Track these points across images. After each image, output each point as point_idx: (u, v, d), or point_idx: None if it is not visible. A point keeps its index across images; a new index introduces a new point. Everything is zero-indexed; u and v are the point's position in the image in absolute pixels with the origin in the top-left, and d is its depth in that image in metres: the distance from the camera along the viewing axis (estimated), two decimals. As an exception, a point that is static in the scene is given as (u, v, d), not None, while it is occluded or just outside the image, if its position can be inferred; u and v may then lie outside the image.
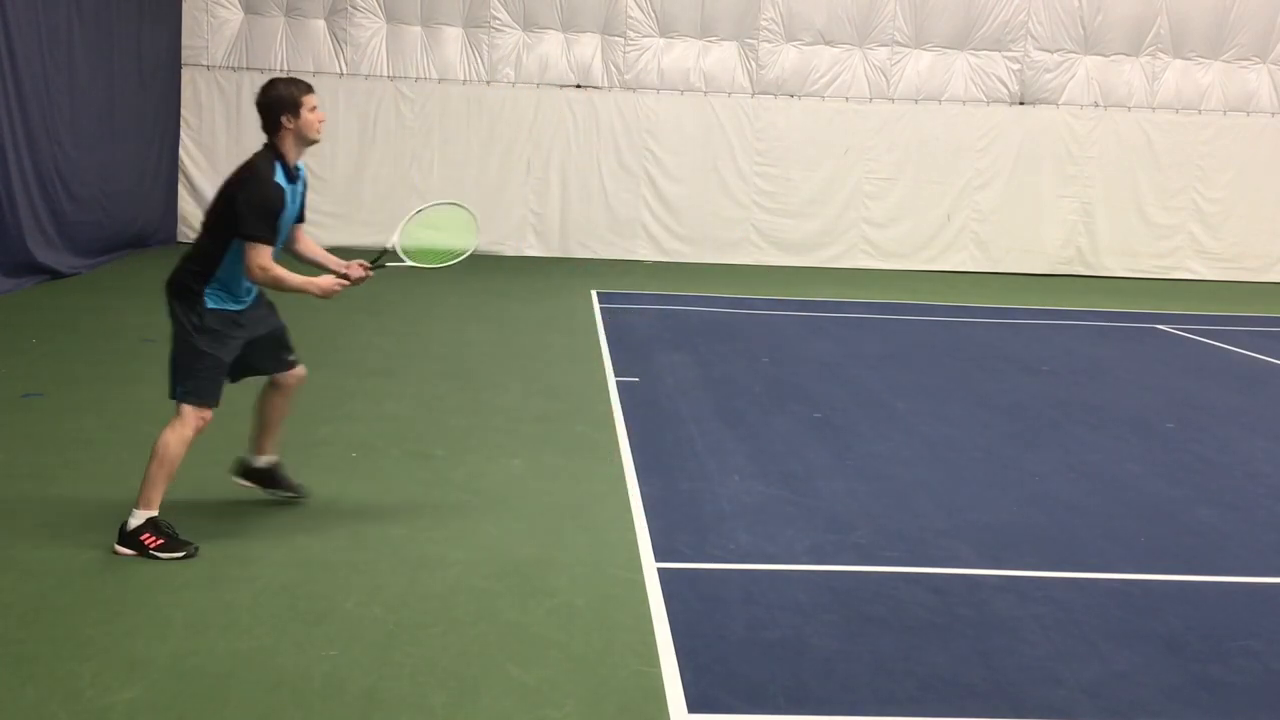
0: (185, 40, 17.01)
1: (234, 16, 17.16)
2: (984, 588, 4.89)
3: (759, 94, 17.82)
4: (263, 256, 4.79)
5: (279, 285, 4.88)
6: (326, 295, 5.04)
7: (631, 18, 17.52)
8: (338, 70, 17.21)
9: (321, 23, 17.27)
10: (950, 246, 18.19)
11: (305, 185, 5.12)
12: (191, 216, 17.25)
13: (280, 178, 4.89)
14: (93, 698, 3.62)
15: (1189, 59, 18.19)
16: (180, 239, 17.15)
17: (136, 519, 4.81)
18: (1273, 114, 18.34)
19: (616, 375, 8.93)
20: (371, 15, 17.27)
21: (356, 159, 17.12)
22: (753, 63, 17.75)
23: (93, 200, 13.85)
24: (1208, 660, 4.26)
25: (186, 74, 17.07)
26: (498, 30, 17.43)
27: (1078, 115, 18.14)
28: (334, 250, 5.40)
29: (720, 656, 4.10)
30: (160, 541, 4.79)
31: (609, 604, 4.53)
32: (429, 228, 5.45)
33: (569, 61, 17.59)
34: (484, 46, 17.45)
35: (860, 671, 4.04)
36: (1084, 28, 17.98)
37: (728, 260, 17.77)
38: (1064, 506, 6.12)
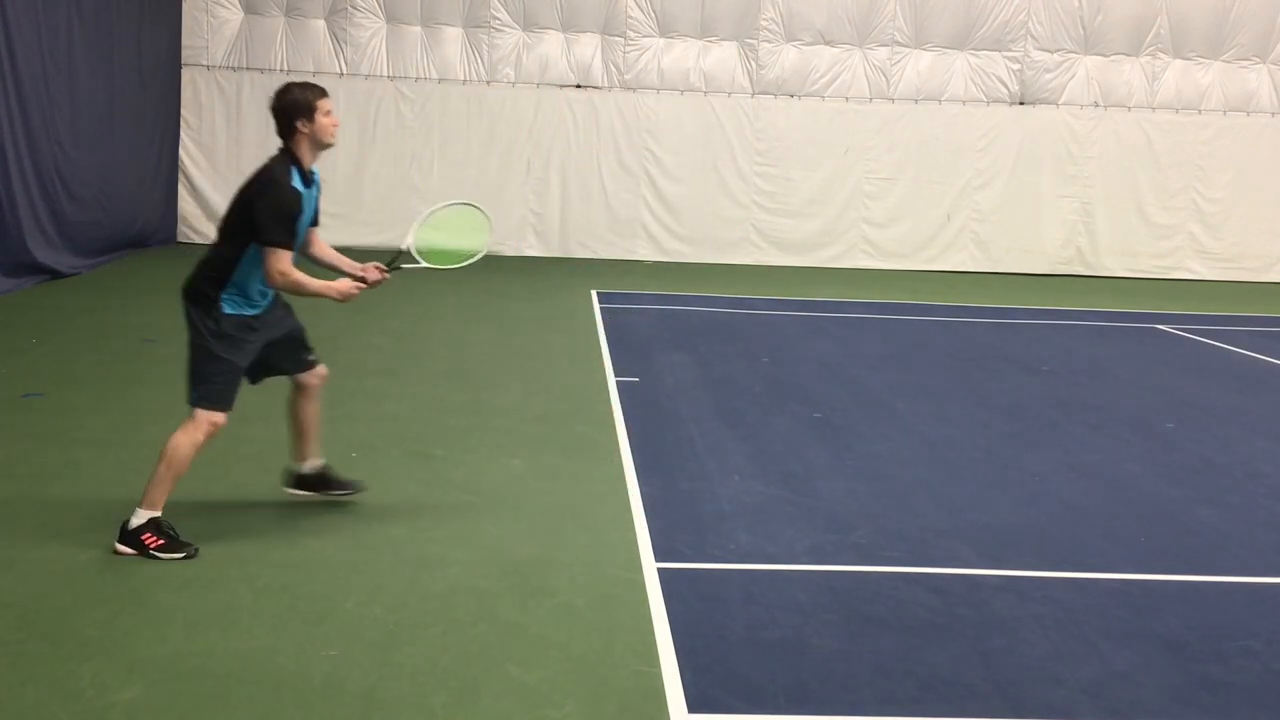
0: (185, 40, 17.00)
1: (234, 16, 17.16)
2: (984, 588, 4.89)
3: (759, 94, 17.82)
4: (282, 262, 4.79)
5: (299, 290, 4.88)
6: (345, 299, 5.05)
7: (631, 18, 17.52)
8: (338, 70, 17.21)
9: (321, 23, 17.27)
10: (950, 246, 18.19)
11: (319, 189, 5.12)
12: (191, 216, 17.27)
13: (297, 182, 4.91)
14: (93, 698, 3.62)
15: (1189, 59, 18.19)
16: (180, 239, 17.17)
17: (139, 518, 4.81)
18: (1273, 114, 18.34)
19: (616, 375, 8.93)
20: (371, 15, 17.27)
21: (356, 159, 17.11)
22: (753, 63, 17.75)
23: (93, 200, 13.85)
24: (1208, 660, 4.26)
25: (186, 74, 17.07)
26: (498, 30, 17.43)
27: (1078, 115, 18.14)
28: (334, 250, 5.40)
29: (720, 656, 4.11)
30: (161, 542, 4.79)
31: (609, 604, 4.53)
32: (443, 229, 5.44)
33: (569, 61, 17.59)
34: (484, 46, 17.45)
35: (860, 671, 4.04)
36: (1084, 28, 17.99)
37: (728, 260, 17.76)
38: (1064, 506, 6.12)
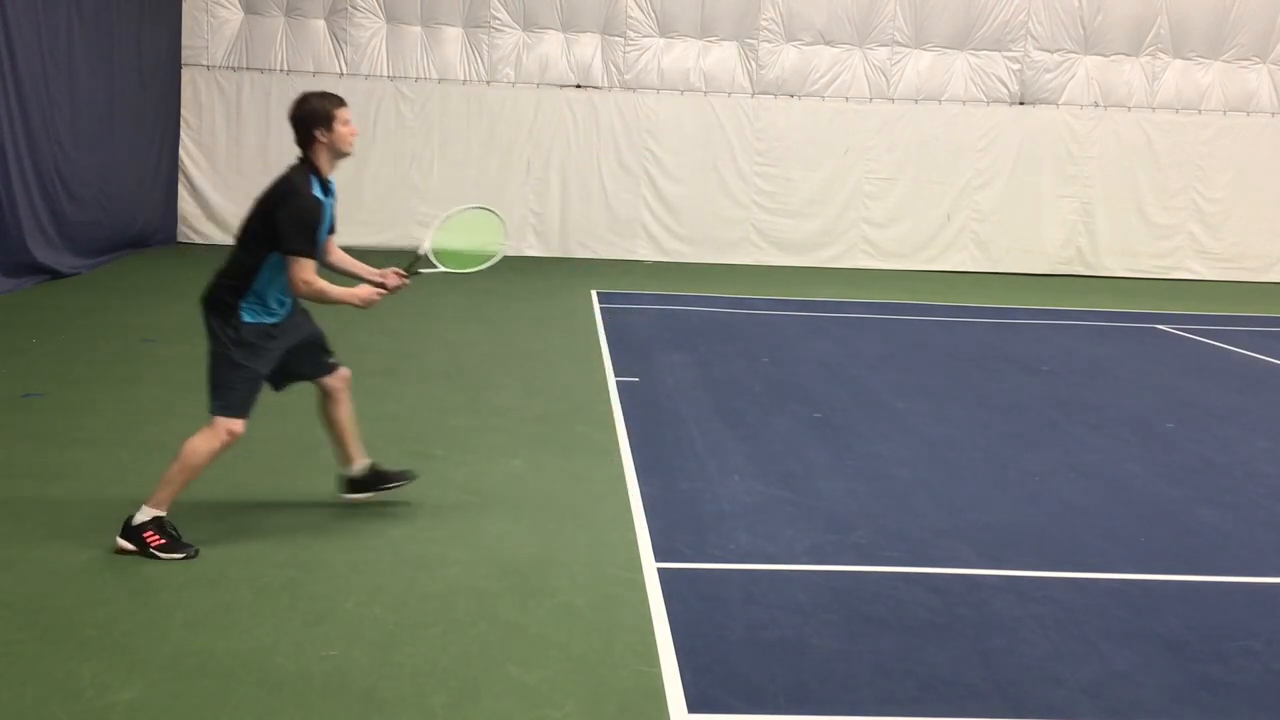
0: (185, 40, 17.01)
1: (234, 16, 17.16)
2: (984, 588, 4.89)
3: (759, 94, 17.82)
4: (306, 270, 4.82)
5: (321, 298, 4.91)
6: (367, 305, 5.09)
7: (631, 18, 17.52)
8: (338, 70, 17.21)
9: (321, 23, 17.27)
10: (950, 246, 18.19)
11: (335, 198, 5.14)
12: (191, 216, 17.27)
13: (317, 191, 4.92)
14: (93, 698, 3.62)
15: (1189, 59, 18.19)
16: (180, 239, 17.17)
17: (143, 515, 4.82)
18: (1273, 114, 18.34)
19: (616, 375, 8.93)
20: (371, 15, 17.27)
21: (356, 159, 16.97)
22: (753, 63, 17.75)
23: (93, 200, 13.85)
24: (1208, 660, 4.26)
25: (186, 74, 17.07)
26: (498, 30, 17.43)
27: (1078, 115, 18.14)
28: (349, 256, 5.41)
29: (720, 656, 4.11)
30: (162, 541, 4.79)
31: (609, 604, 4.53)
32: (459, 232, 5.46)
33: (569, 61, 17.59)
34: (484, 46, 17.45)
35: (860, 671, 4.04)
36: (1084, 28, 17.99)
37: (728, 260, 17.77)
38: (1064, 506, 6.12)
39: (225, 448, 4.89)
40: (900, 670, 4.06)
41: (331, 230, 5.12)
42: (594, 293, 13.66)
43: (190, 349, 9.34)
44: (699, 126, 17.75)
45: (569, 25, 17.53)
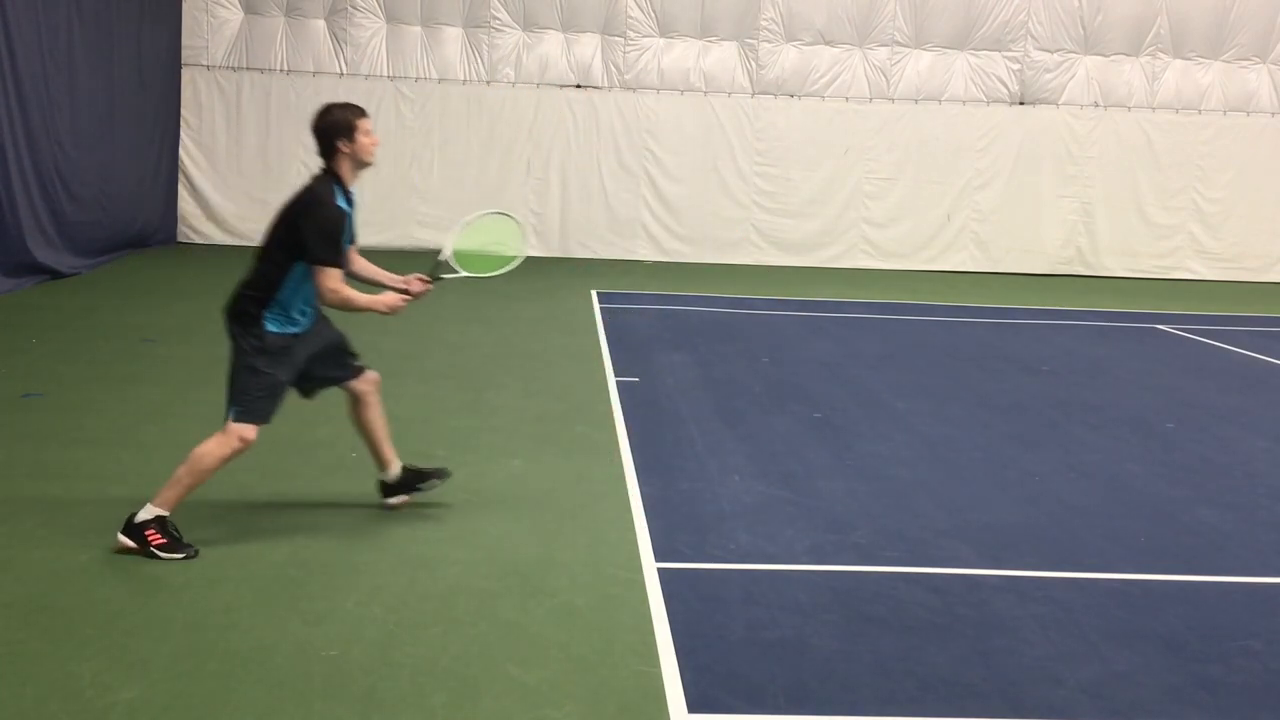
0: (185, 40, 17.01)
1: (234, 16, 17.16)
2: (984, 588, 4.89)
3: (759, 94, 17.82)
4: (333, 279, 4.87)
5: (348, 306, 4.94)
6: (392, 311, 5.14)
7: (631, 18, 17.52)
8: (338, 70, 17.21)
9: (321, 23, 17.27)
10: (950, 246, 18.20)
11: (355, 207, 5.17)
12: (191, 216, 17.27)
13: (341, 201, 4.97)
14: (93, 698, 3.62)
15: (1189, 59, 18.20)
16: (180, 239, 17.17)
17: (147, 513, 4.82)
18: (1273, 114, 18.34)
19: (616, 375, 8.93)
20: (371, 15, 17.27)
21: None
22: (753, 63, 17.75)
23: (93, 200, 13.85)
24: (1208, 660, 4.26)
25: (186, 74, 17.07)
26: (498, 30, 17.43)
27: (1078, 115, 18.14)
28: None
29: (720, 656, 4.10)
30: (163, 540, 4.80)
31: (609, 604, 4.53)
32: (478, 237, 5.53)
33: (569, 61, 17.59)
34: (484, 46, 17.45)
35: (860, 671, 4.04)
36: (1084, 28, 17.99)
37: (728, 260, 17.77)
38: (1064, 506, 6.12)
39: (236, 454, 4.91)
40: (900, 670, 4.06)
41: (352, 240, 5.16)
42: (594, 293, 13.66)
43: (190, 349, 9.38)
44: (699, 126, 17.75)
45: (569, 25, 17.53)
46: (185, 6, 16.97)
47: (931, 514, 5.86)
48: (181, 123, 17.09)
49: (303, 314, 5.02)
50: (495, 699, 3.73)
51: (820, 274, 17.11)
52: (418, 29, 17.37)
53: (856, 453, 7.04)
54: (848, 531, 5.53)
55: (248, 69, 17.12)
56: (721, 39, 17.72)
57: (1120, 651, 4.29)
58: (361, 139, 4.99)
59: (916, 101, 17.95)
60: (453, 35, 17.42)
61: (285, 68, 17.14)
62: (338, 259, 4.90)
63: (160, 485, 4.94)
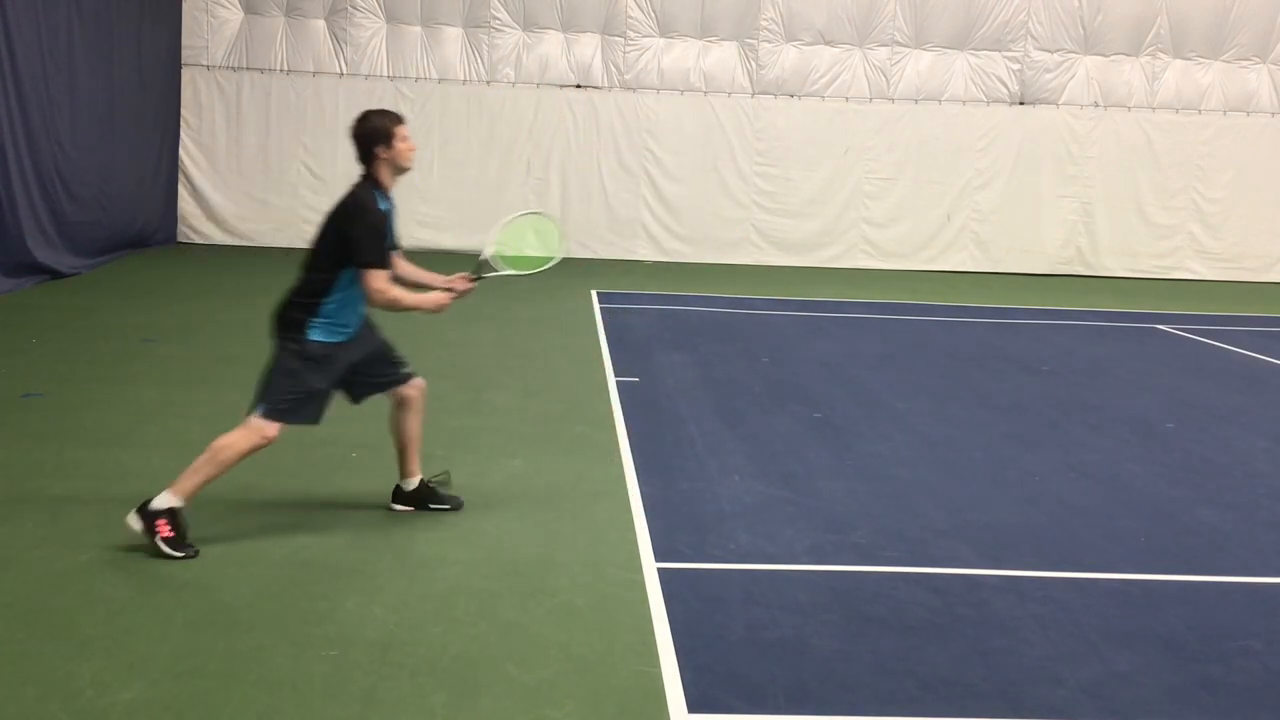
0: (185, 40, 17.01)
1: (234, 16, 17.16)
2: (984, 588, 4.89)
3: (759, 94, 17.82)
4: (380, 280, 4.95)
5: (395, 305, 5.03)
6: (439, 310, 5.24)
7: (631, 18, 17.52)
8: (338, 70, 17.21)
9: (321, 23, 17.27)
10: (950, 246, 18.20)
11: (395, 210, 5.25)
12: (191, 216, 17.27)
13: (382, 205, 5.07)
14: (93, 698, 3.62)
15: (1189, 59, 18.20)
16: (180, 239, 17.17)
17: (164, 500, 4.84)
18: (1273, 114, 18.34)
19: (616, 375, 8.93)
20: (371, 15, 17.27)
21: (357, 159, 17.08)
22: (753, 63, 17.75)
23: (93, 200, 13.85)
24: (1208, 660, 4.26)
25: (186, 74, 17.07)
26: (498, 30, 17.43)
27: (1078, 115, 18.14)
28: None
29: (720, 656, 4.10)
30: (170, 534, 4.81)
31: (609, 604, 4.53)
32: (519, 236, 5.66)
33: (569, 61, 17.59)
34: (484, 46, 17.45)
35: (860, 671, 4.04)
36: (1084, 28, 17.99)
37: (728, 260, 17.77)
38: (1064, 506, 6.12)
39: (255, 449, 4.96)
40: (900, 670, 4.06)
41: (395, 245, 5.23)
42: (594, 293, 13.67)
43: (190, 349, 9.38)
44: (699, 126, 17.75)
45: (569, 25, 17.53)
46: (185, 6, 16.97)
47: (931, 514, 5.86)
48: (181, 123, 17.09)
49: (350, 321, 5.10)
50: (495, 699, 3.73)
51: (820, 274, 17.11)
52: (418, 29, 17.37)
53: (856, 453, 7.04)
54: (848, 531, 5.53)
55: (248, 69, 17.12)
56: (721, 39, 17.72)
57: (1120, 651, 4.29)
58: (399, 145, 5.10)
59: (916, 101, 17.95)
60: (453, 35, 17.42)
61: (285, 68, 17.14)
62: (385, 260, 5.00)
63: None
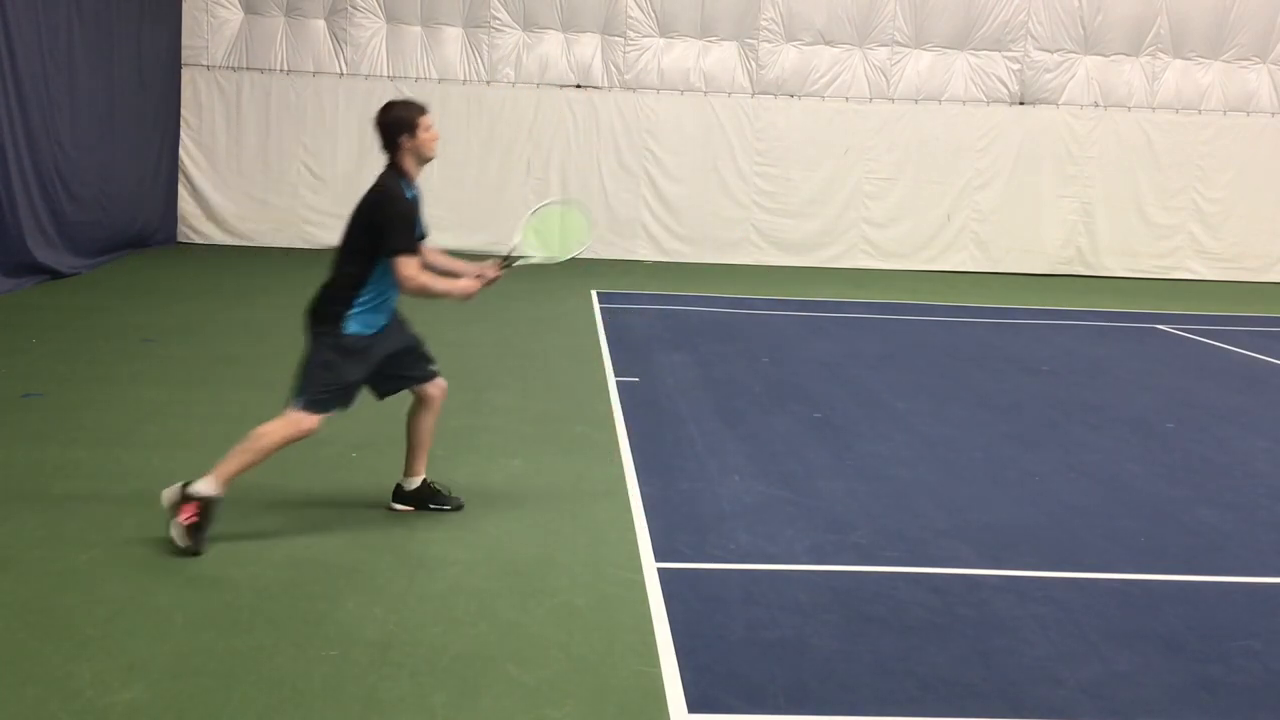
0: (185, 40, 17.01)
1: (234, 16, 17.16)
2: (984, 588, 4.89)
3: (759, 94, 17.82)
4: (409, 267, 4.99)
5: (426, 291, 5.07)
6: (468, 297, 5.28)
7: (631, 18, 17.52)
8: (338, 70, 17.21)
9: (321, 23, 17.27)
10: (950, 246, 18.20)
11: (420, 199, 5.27)
12: (191, 216, 17.27)
13: (408, 192, 5.11)
14: (93, 698, 3.62)
15: (1189, 59, 18.20)
16: (180, 239, 17.17)
17: (205, 488, 4.87)
18: (1273, 114, 18.34)
19: (616, 375, 8.93)
20: (371, 15, 17.28)
21: (356, 159, 17.08)
22: (753, 63, 17.75)
23: (93, 200, 13.85)
24: (1208, 660, 4.26)
25: (186, 74, 17.07)
26: (498, 30, 17.43)
27: (1078, 115, 18.14)
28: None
29: (720, 656, 4.10)
30: (195, 521, 4.84)
31: (609, 604, 4.53)
32: (547, 225, 5.68)
33: (569, 61, 17.59)
34: (484, 46, 17.46)
35: (860, 671, 4.04)
36: (1084, 28, 17.99)
37: (728, 260, 17.77)
38: (1064, 506, 6.12)
39: (293, 440, 5.02)
40: (900, 670, 4.06)
41: (423, 234, 5.26)
42: (594, 293, 13.67)
43: (190, 349, 9.38)
44: (699, 126, 17.76)
45: (569, 25, 17.53)
46: (185, 6, 16.97)
47: (931, 514, 5.86)
48: (181, 123, 17.09)
49: (385, 313, 5.16)
50: (495, 699, 3.73)
51: (820, 274, 17.11)
52: (418, 29, 17.37)
53: (856, 453, 7.04)
54: (848, 531, 5.53)
55: (248, 69, 17.12)
56: (721, 39, 17.72)
57: (1120, 651, 4.29)
58: (423, 134, 5.14)
59: (916, 101, 17.95)
60: (453, 35, 17.42)
61: (285, 68, 17.14)
62: (413, 246, 5.06)
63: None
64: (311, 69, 17.13)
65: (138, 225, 15.50)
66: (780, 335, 11.43)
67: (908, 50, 17.92)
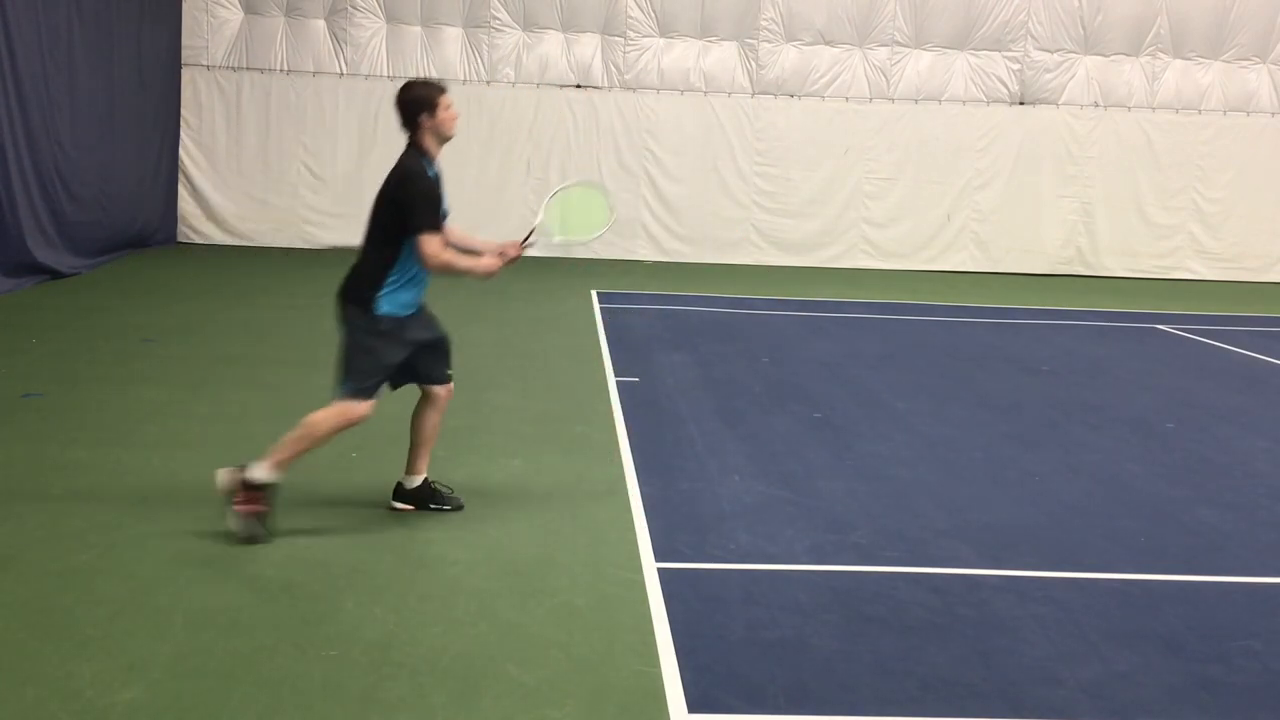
0: (185, 40, 17.01)
1: (234, 16, 17.16)
2: (984, 588, 4.89)
3: (759, 94, 17.82)
4: (433, 245, 5.04)
5: (449, 269, 5.12)
6: (490, 275, 5.33)
7: (631, 18, 17.52)
8: (338, 70, 17.21)
9: (321, 23, 17.27)
10: (950, 246, 18.20)
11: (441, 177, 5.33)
12: (191, 216, 17.27)
13: (430, 170, 5.18)
14: (93, 698, 3.62)
15: (1189, 59, 18.20)
16: (180, 239, 17.17)
17: (264, 474, 4.95)
18: (1273, 114, 18.34)
19: (616, 375, 8.93)
20: (371, 15, 17.27)
21: (356, 159, 17.10)
22: (753, 63, 17.75)
23: (93, 200, 13.85)
24: (1208, 660, 4.26)
25: (186, 74, 17.07)
26: (498, 30, 17.43)
27: (1078, 115, 18.14)
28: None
29: (720, 656, 4.10)
30: (252, 510, 4.91)
31: (609, 604, 4.53)
32: (569, 205, 5.75)
33: (569, 61, 17.59)
34: (484, 46, 17.45)
35: (860, 671, 4.04)
36: (1084, 28, 17.99)
37: (728, 260, 17.77)
38: (1064, 506, 6.12)
39: (345, 428, 5.10)
40: (900, 670, 4.06)
41: (445, 214, 5.32)
42: (594, 293, 13.67)
43: (190, 349, 9.38)
44: (699, 126, 17.75)
45: (569, 25, 17.53)
46: (185, 6, 16.97)
47: (931, 514, 5.86)
48: (181, 123, 17.09)
49: (416, 292, 5.23)
50: (495, 699, 3.73)
51: (820, 274, 17.11)
52: (418, 29, 17.37)
53: (856, 453, 7.04)
54: (848, 531, 5.53)
55: (248, 69, 17.12)
56: (721, 39, 17.72)
57: (1120, 651, 4.29)
58: (442, 114, 5.25)
59: (916, 101, 17.95)
60: (453, 35, 17.42)
61: (285, 68, 17.14)
62: (438, 223, 5.10)
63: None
64: (311, 69, 17.13)
65: (138, 225, 15.50)
66: (780, 335, 11.43)
67: (908, 50, 17.92)
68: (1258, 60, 18.25)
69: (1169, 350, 11.68)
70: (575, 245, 5.79)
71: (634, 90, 17.66)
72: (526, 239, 5.42)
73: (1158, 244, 18.40)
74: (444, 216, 5.20)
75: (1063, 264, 18.30)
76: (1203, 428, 8.16)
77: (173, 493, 5.65)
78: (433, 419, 5.54)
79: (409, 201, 5.03)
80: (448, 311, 12.26)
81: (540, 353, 9.89)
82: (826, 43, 17.79)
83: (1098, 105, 18.15)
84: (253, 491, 4.95)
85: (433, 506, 5.56)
